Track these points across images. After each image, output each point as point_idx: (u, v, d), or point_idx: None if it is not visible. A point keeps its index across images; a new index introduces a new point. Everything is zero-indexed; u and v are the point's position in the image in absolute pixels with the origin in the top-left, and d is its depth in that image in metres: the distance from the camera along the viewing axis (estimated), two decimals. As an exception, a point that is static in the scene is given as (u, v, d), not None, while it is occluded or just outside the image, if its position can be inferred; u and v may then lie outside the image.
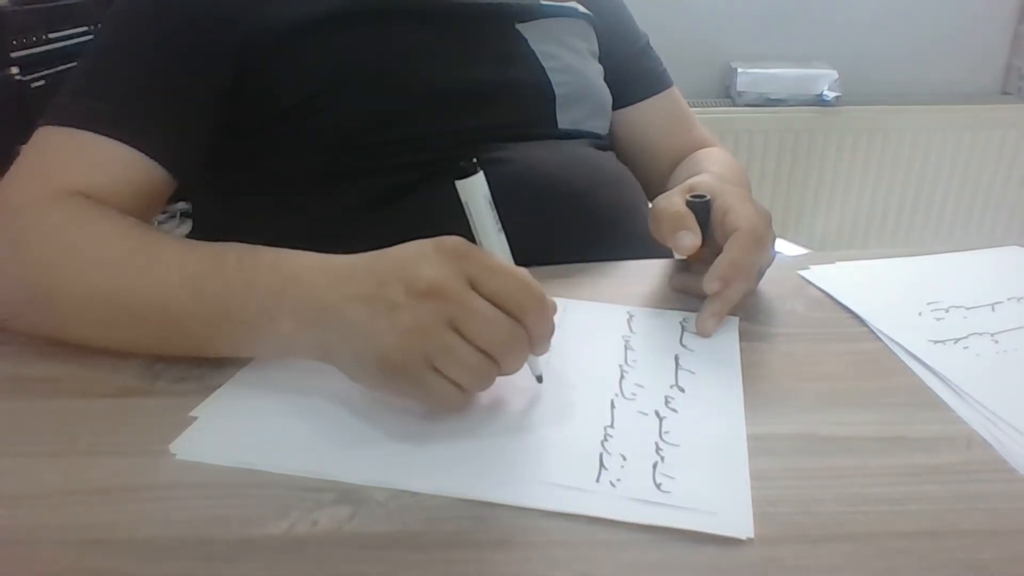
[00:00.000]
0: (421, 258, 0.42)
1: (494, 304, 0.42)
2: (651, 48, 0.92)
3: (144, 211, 0.61)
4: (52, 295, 0.51)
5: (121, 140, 0.59)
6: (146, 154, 0.60)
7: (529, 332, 0.43)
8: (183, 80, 0.64)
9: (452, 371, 0.42)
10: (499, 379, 0.44)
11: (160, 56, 0.63)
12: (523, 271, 0.44)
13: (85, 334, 0.51)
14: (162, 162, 0.61)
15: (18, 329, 0.53)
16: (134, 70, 0.63)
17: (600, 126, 0.81)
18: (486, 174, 0.51)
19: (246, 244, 0.50)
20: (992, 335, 0.54)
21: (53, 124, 0.59)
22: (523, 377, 0.46)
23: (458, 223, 0.47)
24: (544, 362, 0.50)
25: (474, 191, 0.44)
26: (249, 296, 0.47)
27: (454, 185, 0.45)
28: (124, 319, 0.50)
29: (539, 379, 0.47)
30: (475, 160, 0.44)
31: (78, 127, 0.59)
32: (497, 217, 0.45)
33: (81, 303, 0.50)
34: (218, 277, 0.48)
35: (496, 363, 0.42)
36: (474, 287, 0.42)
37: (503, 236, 0.46)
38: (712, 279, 0.54)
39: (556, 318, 0.56)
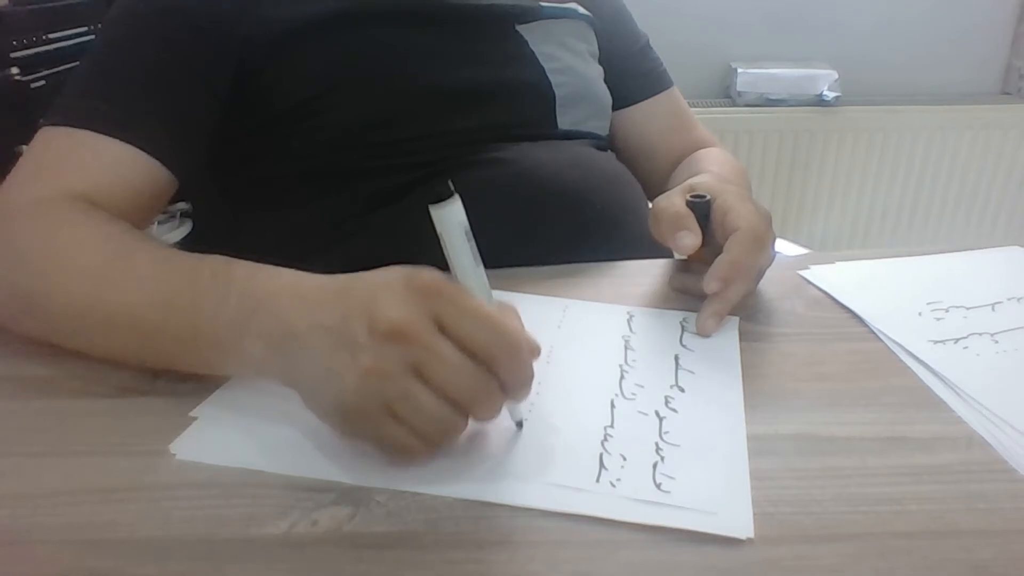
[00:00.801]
0: (388, 294, 0.39)
1: (464, 348, 0.38)
2: (651, 48, 0.92)
3: (146, 211, 0.61)
4: (36, 301, 0.51)
5: (122, 140, 0.59)
6: (148, 153, 0.60)
7: (502, 380, 0.39)
8: (184, 80, 0.64)
9: (413, 419, 0.38)
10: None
11: (161, 56, 0.63)
12: (502, 311, 0.40)
13: (67, 341, 0.51)
14: (164, 161, 0.61)
15: (12, 331, 0.53)
16: (135, 70, 0.63)
17: (600, 127, 0.81)
18: (486, 175, 0.50)
19: (224, 257, 0.48)
20: (992, 335, 0.54)
21: (54, 125, 0.59)
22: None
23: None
24: (544, 362, 0.50)
25: (449, 220, 0.39)
26: (219, 313, 0.45)
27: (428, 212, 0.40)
28: (98, 330, 0.49)
29: (519, 425, 0.44)
30: (450, 184, 0.39)
31: (79, 127, 0.59)
32: (475, 248, 0.40)
33: (61, 311, 0.50)
34: (190, 292, 0.47)
35: (463, 412, 0.39)
36: (443, 329, 0.38)
37: (481, 269, 0.41)
38: (712, 279, 0.54)
39: (556, 318, 0.56)
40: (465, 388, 0.38)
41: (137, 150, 0.59)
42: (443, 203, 0.39)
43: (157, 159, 0.60)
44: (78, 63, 0.65)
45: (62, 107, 0.61)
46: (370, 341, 0.38)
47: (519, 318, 0.41)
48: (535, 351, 0.40)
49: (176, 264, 0.49)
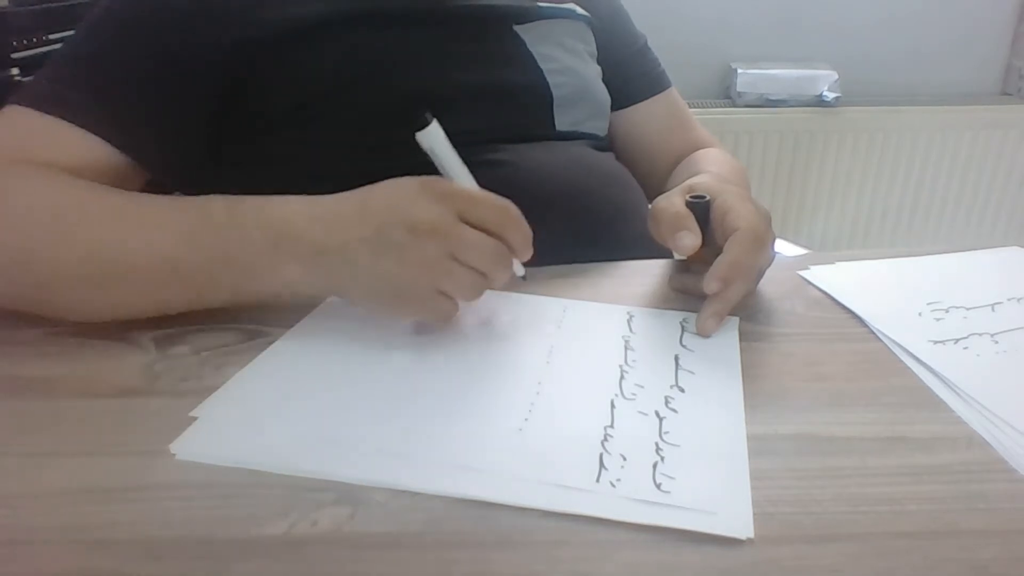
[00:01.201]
0: (412, 201, 0.48)
1: (482, 230, 0.48)
2: (649, 49, 0.92)
3: None
4: (33, 257, 0.51)
5: (93, 132, 0.59)
6: (116, 146, 0.60)
7: (511, 245, 0.50)
8: (170, 81, 0.63)
9: (457, 293, 0.50)
10: (502, 379, 0.44)
11: (150, 59, 0.63)
12: (495, 196, 0.50)
13: (70, 297, 0.51)
14: (139, 160, 0.61)
15: None
16: (119, 67, 0.62)
17: (599, 127, 0.81)
18: (485, 176, 0.53)
19: (227, 196, 0.52)
20: (992, 335, 0.54)
21: (25, 105, 0.59)
22: (530, 369, 0.46)
23: None
24: (544, 362, 0.50)
25: (435, 138, 0.51)
26: (246, 243, 0.50)
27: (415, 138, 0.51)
28: (117, 275, 0.50)
29: (523, 279, 0.56)
30: (427, 112, 0.50)
31: (51, 113, 0.58)
32: (457, 153, 0.52)
33: (68, 263, 0.50)
34: (209, 226, 0.51)
35: (488, 278, 0.50)
36: (462, 219, 0.48)
37: (466, 167, 0.52)
38: (712, 279, 0.54)
39: (556, 318, 0.56)
40: (489, 260, 0.49)
41: (105, 142, 0.59)
42: (427, 128, 0.50)
43: (124, 152, 0.60)
44: (60, 46, 0.64)
45: (36, 90, 0.60)
46: (412, 240, 0.47)
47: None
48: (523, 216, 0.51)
49: (185, 204, 0.52)
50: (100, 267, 0.50)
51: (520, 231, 0.50)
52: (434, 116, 0.50)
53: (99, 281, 0.51)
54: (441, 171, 0.52)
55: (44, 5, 1.21)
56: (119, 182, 0.60)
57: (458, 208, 0.48)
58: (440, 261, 0.48)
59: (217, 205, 0.52)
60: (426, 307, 0.50)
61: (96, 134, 0.59)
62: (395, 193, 0.49)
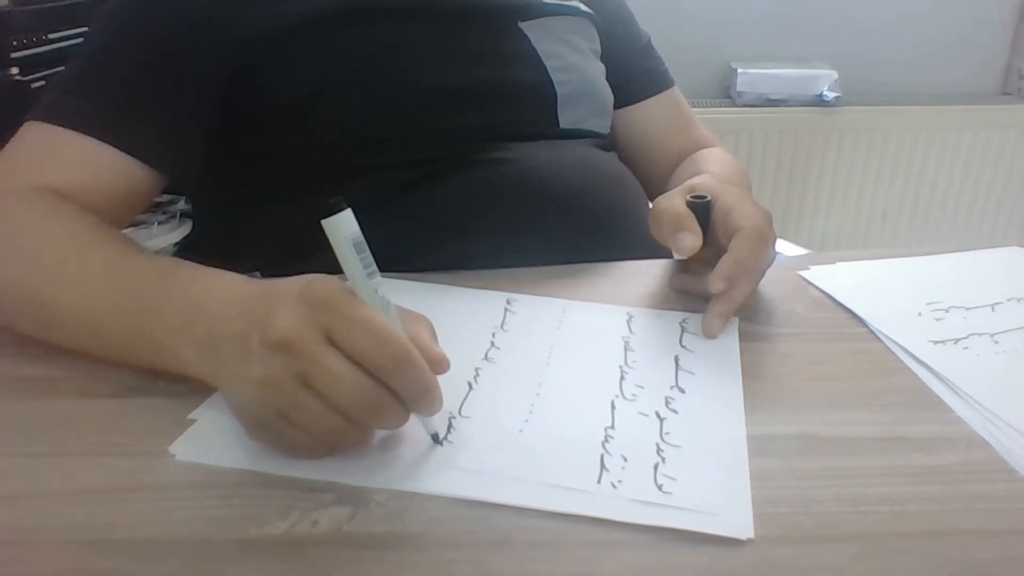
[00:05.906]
0: (281, 304, 0.39)
1: (353, 360, 0.37)
2: (653, 48, 0.91)
3: (123, 210, 0.62)
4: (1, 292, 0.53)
5: (101, 140, 0.60)
6: (128, 154, 0.60)
7: (398, 394, 0.38)
8: (175, 82, 0.64)
9: (307, 426, 0.39)
10: (502, 380, 0.43)
11: (153, 58, 0.63)
12: (413, 323, 0.41)
13: (29, 331, 0.53)
14: (146, 161, 0.62)
15: None
16: (125, 72, 0.63)
17: (601, 125, 0.80)
18: (487, 175, 0.50)
19: (174, 260, 0.51)
20: (992, 335, 0.54)
21: (40, 120, 0.60)
22: (530, 370, 0.45)
23: (465, 218, 0.46)
24: (544, 363, 0.50)
25: (335, 231, 0.38)
26: (159, 321, 0.46)
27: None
28: (53, 324, 0.51)
29: (435, 439, 0.42)
30: (340, 198, 0.38)
31: (64, 126, 0.59)
32: (368, 258, 0.39)
33: (18, 303, 0.53)
34: (138, 295, 0.49)
35: (355, 422, 0.38)
36: (331, 340, 0.37)
37: (377, 278, 0.39)
38: (718, 278, 0.53)
39: (556, 319, 0.56)
40: (351, 399, 0.38)
41: (116, 150, 0.60)
42: (332, 217, 0.38)
43: (138, 159, 0.61)
44: (70, 59, 0.65)
45: (49, 103, 0.61)
46: (260, 351, 0.39)
47: (429, 329, 0.42)
48: (440, 363, 0.40)
49: (128, 265, 0.51)
50: (40, 315, 0.52)
51: (406, 375, 0.38)
52: (347, 206, 0.38)
53: (43, 325, 0.52)
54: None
55: (44, 5, 1.21)
56: (132, 188, 0.62)
57: (328, 324, 0.37)
58: (286, 384, 0.38)
59: (153, 274, 0.49)
60: (273, 436, 0.40)
61: (105, 141, 0.60)
62: (279, 291, 0.41)
